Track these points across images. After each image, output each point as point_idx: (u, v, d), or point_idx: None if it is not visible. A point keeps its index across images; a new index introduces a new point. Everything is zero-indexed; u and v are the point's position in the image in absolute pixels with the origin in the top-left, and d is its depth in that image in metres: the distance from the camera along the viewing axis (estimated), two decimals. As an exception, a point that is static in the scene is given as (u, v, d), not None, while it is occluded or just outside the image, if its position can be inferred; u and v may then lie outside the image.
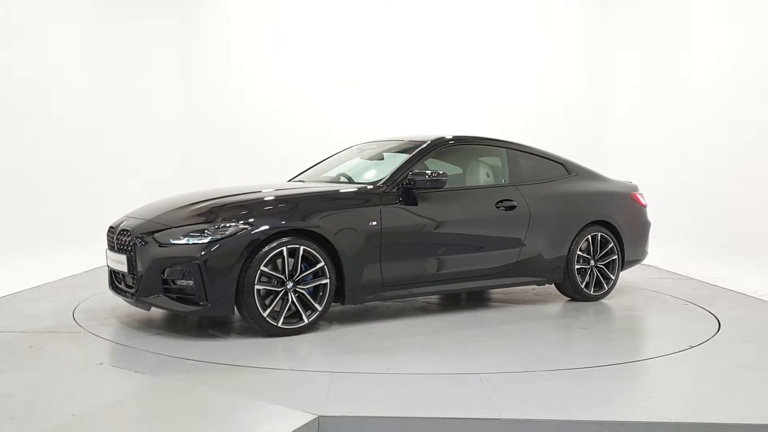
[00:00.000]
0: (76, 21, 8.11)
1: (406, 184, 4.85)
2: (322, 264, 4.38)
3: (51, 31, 7.50)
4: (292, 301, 4.31)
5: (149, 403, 3.19)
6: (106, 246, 4.83)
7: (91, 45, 8.39)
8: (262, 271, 4.19)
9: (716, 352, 4.23)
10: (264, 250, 4.21)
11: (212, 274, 4.12)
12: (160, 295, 4.26)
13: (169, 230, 4.29)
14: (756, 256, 6.84)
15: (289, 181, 5.80)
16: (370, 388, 3.39)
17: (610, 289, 5.79)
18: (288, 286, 4.29)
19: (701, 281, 6.85)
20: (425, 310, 5.38)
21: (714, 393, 3.51)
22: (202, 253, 4.12)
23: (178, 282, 4.21)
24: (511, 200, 5.31)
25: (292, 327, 4.33)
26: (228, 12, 9.90)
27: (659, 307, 5.59)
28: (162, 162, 9.49)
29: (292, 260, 4.31)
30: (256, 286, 4.18)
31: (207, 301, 4.14)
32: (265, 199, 4.59)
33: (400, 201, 4.82)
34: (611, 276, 5.77)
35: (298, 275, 4.31)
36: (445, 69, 9.71)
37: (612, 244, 5.75)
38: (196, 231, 4.21)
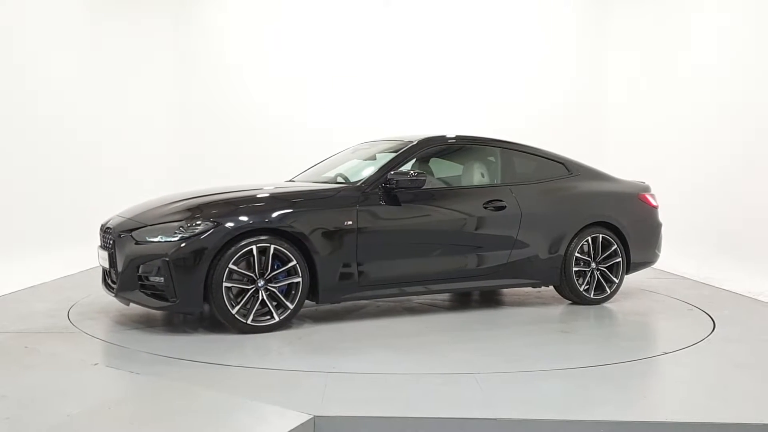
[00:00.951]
0: (71, 21, 8.09)
1: (386, 184, 4.85)
2: (293, 263, 4.44)
3: (45, 31, 7.47)
4: (263, 299, 4.38)
5: (145, 404, 3.18)
6: (99, 244, 4.93)
7: (86, 45, 8.37)
8: (230, 269, 4.29)
9: (711, 351, 4.25)
10: (232, 248, 4.30)
11: (180, 272, 4.24)
12: (137, 290, 4.40)
13: (144, 228, 4.44)
14: (751, 256, 6.85)
15: (287, 181, 5.79)
16: (366, 388, 3.39)
17: (612, 293, 5.60)
18: (259, 284, 4.37)
19: (696, 281, 6.87)
20: (413, 310, 5.37)
21: (709, 392, 3.52)
22: (172, 250, 4.25)
23: (152, 278, 4.33)
24: (500, 200, 5.22)
25: (262, 324, 4.42)
26: (225, 11, 9.87)
27: (654, 307, 5.60)
28: (158, 162, 9.47)
29: (266, 258, 4.40)
30: (225, 284, 4.28)
31: (176, 297, 4.27)
32: (237, 198, 4.65)
33: (380, 201, 4.82)
34: (614, 279, 5.59)
35: (269, 273, 4.39)
36: (444, 68, 9.71)
37: (615, 246, 5.57)
38: (168, 229, 4.35)
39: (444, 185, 5.45)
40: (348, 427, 2.96)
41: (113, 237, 4.57)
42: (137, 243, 4.39)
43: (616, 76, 9.71)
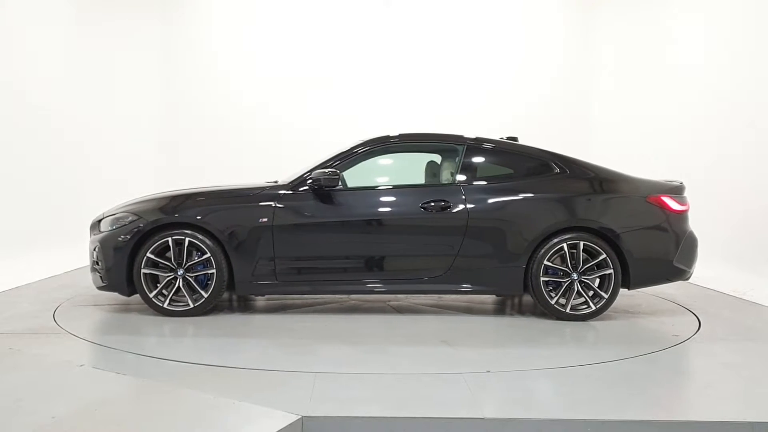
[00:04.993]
0: (56, 21, 8.02)
1: (309, 183, 4.97)
2: (208, 255, 4.84)
3: (30, 31, 7.40)
4: (179, 286, 4.86)
5: (131, 405, 3.16)
6: None
7: (71, 45, 8.30)
8: (148, 257, 4.82)
9: (697, 350, 4.29)
10: (151, 239, 4.84)
11: (108, 257, 4.91)
12: (94, 272, 5.07)
13: (103, 219, 5.11)
14: (736, 256, 6.91)
15: (267, 181, 5.78)
16: (354, 388, 3.39)
17: (600, 309, 4.96)
18: (178, 273, 4.85)
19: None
20: (391, 311, 5.37)
21: (695, 391, 3.56)
22: (103, 238, 4.95)
23: (99, 262, 4.98)
24: (444, 200, 4.94)
25: (178, 309, 4.89)
26: (210, 11, 9.84)
27: (640, 307, 5.62)
28: (144, 162, 9.42)
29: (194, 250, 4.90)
30: (143, 270, 4.82)
31: (107, 279, 4.93)
32: (165, 196, 5.16)
33: (303, 200, 4.94)
34: (602, 294, 4.94)
35: (186, 263, 4.86)
36: (433, 68, 9.72)
37: (604, 255, 4.92)
38: (112, 221, 5.01)
39: (381, 184, 5.36)
40: (336, 427, 2.96)
41: (92, 226, 5.25)
42: (99, 231, 5.07)
43: (602, 73, 9.75)
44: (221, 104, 9.70)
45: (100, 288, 5.05)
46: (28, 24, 7.36)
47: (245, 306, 5.46)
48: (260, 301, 5.66)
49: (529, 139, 5.91)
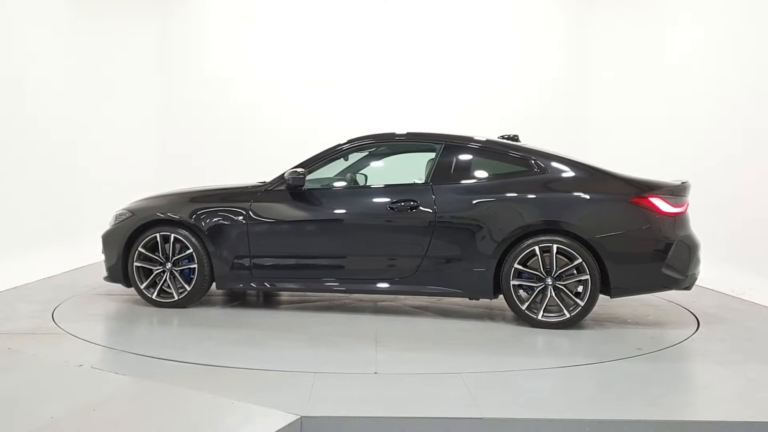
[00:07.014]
0: (53, 20, 8.01)
1: (282, 183, 5.13)
2: (190, 251, 5.11)
3: (27, 31, 7.40)
4: (165, 280, 5.16)
5: (130, 405, 3.16)
6: None
7: (69, 44, 8.29)
8: (140, 252, 5.16)
9: (696, 350, 4.29)
10: (142, 235, 5.17)
11: (106, 250, 5.35)
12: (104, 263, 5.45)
13: (114, 215, 5.44)
14: (735, 256, 6.91)
15: (259, 182, 5.79)
16: (352, 388, 3.39)
17: (575, 317, 4.66)
18: (167, 267, 5.16)
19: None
20: (384, 311, 5.37)
21: (694, 391, 3.56)
22: (105, 233, 5.37)
23: (104, 255, 5.40)
24: (413, 201, 4.88)
25: (164, 301, 5.18)
26: (209, 10, 9.83)
27: (639, 306, 5.63)
28: (142, 162, 9.41)
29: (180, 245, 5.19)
30: (135, 264, 5.18)
31: (108, 271, 5.34)
32: (157, 195, 5.51)
33: (276, 200, 5.11)
34: (578, 301, 4.65)
35: (172, 257, 5.15)
36: (432, 68, 9.71)
37: (580, 260, 4.62)
38: (115, 217, 5.40)
39: (355, 184, 5.47)
40: (335, 427, 2.97)
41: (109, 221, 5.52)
42: (108, 227, 5.43)
43: (601, 72, 9.75)
44: (221, 104, 9.69)
45: (105, 279, 5.41)
46: (24, 24, 7.35)
47: (246, 303, 5.47)
48: (264, 298, 5.67)
49: (528, 138, 5.91)
